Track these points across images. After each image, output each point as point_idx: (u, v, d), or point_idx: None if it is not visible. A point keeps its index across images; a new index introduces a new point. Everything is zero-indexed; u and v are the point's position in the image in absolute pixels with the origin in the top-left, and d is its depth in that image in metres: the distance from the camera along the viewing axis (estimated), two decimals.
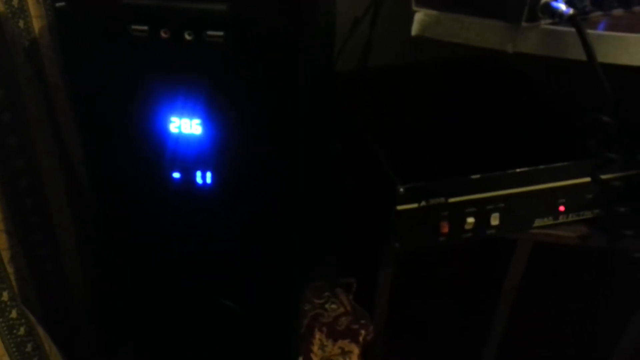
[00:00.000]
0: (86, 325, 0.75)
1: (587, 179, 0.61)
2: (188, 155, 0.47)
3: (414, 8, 0.56)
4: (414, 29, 0.56)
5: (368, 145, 0.71)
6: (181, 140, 0.46)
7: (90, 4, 0.42)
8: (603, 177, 0.55)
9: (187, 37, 0.41)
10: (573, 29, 0.49)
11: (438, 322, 0.89)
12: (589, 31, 0.50)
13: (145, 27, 0.41)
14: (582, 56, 0.49)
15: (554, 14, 0.49)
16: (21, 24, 0.60)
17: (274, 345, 0.64)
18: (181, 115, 0.45)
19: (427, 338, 0.88)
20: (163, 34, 0.41)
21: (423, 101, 0.79)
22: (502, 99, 0.80)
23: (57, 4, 0.42)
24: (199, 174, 0.48)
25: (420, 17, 0.55)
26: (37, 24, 0.61)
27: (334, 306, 0.76)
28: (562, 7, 0.49)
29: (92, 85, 0.46)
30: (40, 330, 0.64)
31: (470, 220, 0.65)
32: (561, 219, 0.68)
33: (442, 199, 0.64)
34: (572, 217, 0.68)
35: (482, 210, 0.65)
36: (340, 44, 0.84)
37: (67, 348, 0.69)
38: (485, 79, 0.85)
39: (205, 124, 0.46)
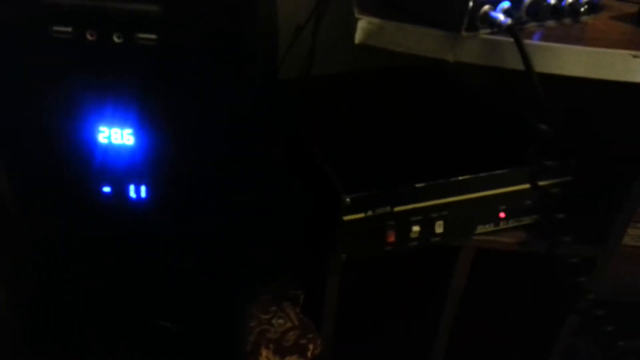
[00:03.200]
0: (16, 349, 0.69)
1: (526, 186, 0.63)
2: (119, 168, 0.44)
3: (357, 16, 0.55)
4: (357, 37, 0.55)
5: (313, 153, 0.69)
6: (111, 151, 0.43)
7: (8, 3, 0.38)
8: (541, 183, 0.56)
9: (116, 39, 0.38)
10: (512, 39, 0.50)
11: (385, 328, 0.89)
12: (525, 41, 0.51)
13: (69, 29, 0.38)
14: (520, 66, 0.50)
15: (493, 23, 0.50)
16: None
17: None
18: (111, 124, 0.42)
19: (375, 345, 0.88)
20: (89, 36, 0.38)
21: (367, 109, 0.79)
22: (445, 107, 0.81)
23: None
24: (132, 187, 0.45)
25: (363, 24, 0.54)
26: None
27: (280, 321, 0.74)
28: (501, 17, 0.49)
29: (11, 90, 0.42)
30: None
31: (416, 228, 0.65)
32: (502, 225, 0.69)
33: (388, 208, 0.63)
34: (512, 223, 0.69)
35: (427, 219, 0.65)
36: (284, 50, 0.83)
37: None
38: (428, 88, 0.86)
39: (137, 134, 0.42)
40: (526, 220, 0.70)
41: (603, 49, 0.51)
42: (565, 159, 0.66)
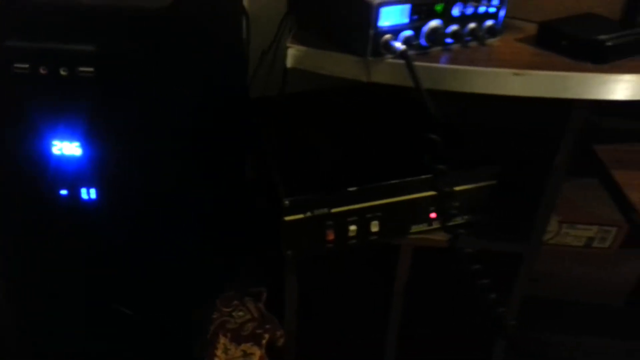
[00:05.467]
0: None
1: (450, 189, 0.70)
2: (71, 174, 0.54)
3: (287, 44, 0.64)
4: (288, 62, 0.64)
5: (267, 163, 0.79)
6: (64, 160, 0.53)
7: None
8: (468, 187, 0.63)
9: (63, 72, 0.49)
10: (421, 63, 0.58)
11: (343, 323, 0.96)
12: (433, 65, 0.59)
13: (26, 65, 0.48)
14: (427, 85, 0.58)
15: (393, 50, 0.58)
16: None
17: (174, 351, 0.70)
18: (62, 138, 0.52)
19: (334, 338, 0.95)
20: (42, 71, 0.49)
21: (320, 125, 0.88)
22: (385, 120, 0.89)
23: None
24: (84, 190, 0.55)
25: (292, 52, 0.63)
26: None
27: (240, 313, 0.83)
28: (397, 44, 0.58)
29: None
30: None
31: (353, 228, 0.73)
32: (434, 225, 0.76)
33: (325, 210, 0.72)
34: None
35: (362, 219, 0.73)
36: (252, 72, 0.93)
37: None
38: (376, 104, 0.94)
39: (83, 146, 0.53)
40: (458, 220, 0.77)
41: (490, 69, 0.59)
42: (460, 164, 0.72)
